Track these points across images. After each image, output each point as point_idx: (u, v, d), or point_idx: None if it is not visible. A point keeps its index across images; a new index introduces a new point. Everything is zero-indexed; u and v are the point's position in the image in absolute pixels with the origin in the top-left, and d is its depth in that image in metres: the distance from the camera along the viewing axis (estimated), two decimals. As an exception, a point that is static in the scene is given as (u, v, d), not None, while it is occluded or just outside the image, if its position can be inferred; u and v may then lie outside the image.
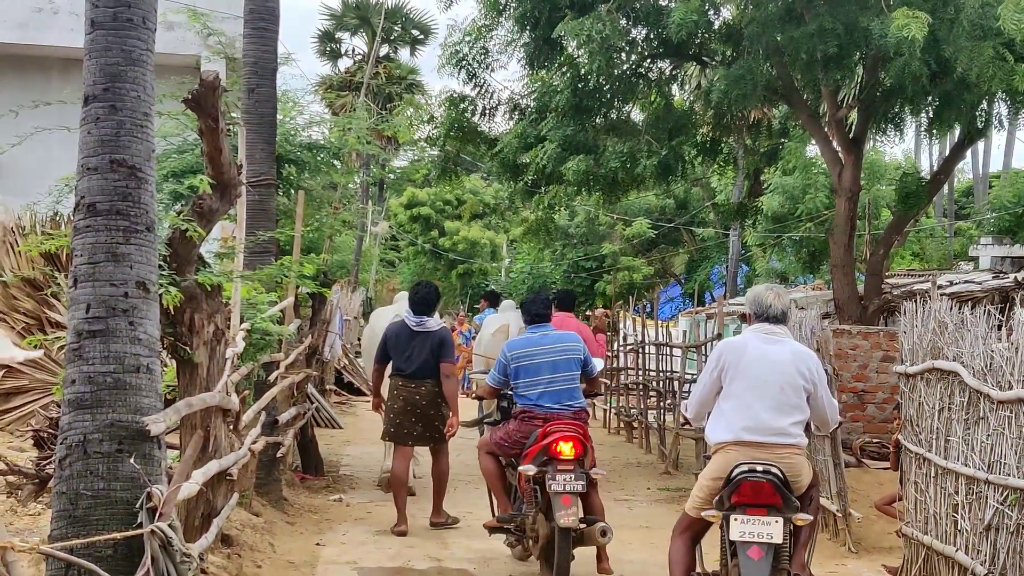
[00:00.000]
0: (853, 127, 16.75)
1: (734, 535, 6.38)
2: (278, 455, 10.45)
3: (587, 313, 33.57)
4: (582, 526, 7.97)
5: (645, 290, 35.51)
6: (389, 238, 47.35)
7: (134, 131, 5.24)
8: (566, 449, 7.99)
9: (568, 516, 7.79)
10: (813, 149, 25.78)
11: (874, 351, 13.81)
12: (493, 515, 9.01)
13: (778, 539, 6.37)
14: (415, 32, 40.49)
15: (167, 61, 13.57)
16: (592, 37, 14.55)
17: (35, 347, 7.69)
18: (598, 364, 8.99)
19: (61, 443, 5.06)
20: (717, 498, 6.53)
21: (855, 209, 16.52)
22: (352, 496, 11.77)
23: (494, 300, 16.98)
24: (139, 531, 4.68)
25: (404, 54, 41.34)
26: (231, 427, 7.16)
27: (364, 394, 23.36)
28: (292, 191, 12.45)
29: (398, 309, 12.39)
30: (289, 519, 10.00)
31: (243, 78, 10.70)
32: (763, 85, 15.05)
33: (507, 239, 49.77)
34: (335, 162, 13.36)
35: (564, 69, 16.93)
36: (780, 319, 6.91)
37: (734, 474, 6.44)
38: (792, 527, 6.49)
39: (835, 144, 16.45)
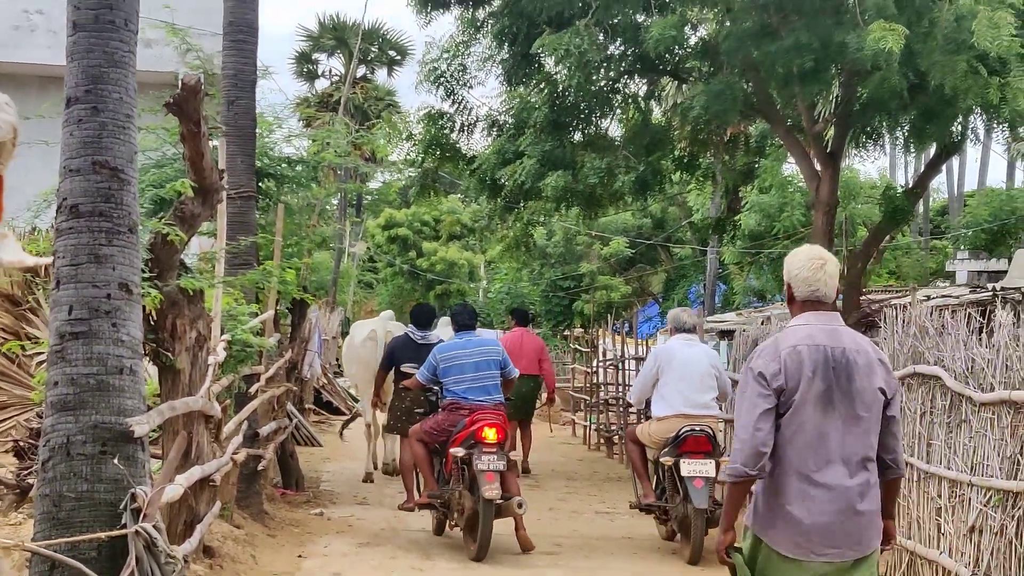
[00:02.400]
0: (830, 141, 16.84)
1: (684, 472, 9.54)
2: (259, 468, 10.39)
3: (566, 333, 33.64)
4: (501, 500, 9.33)
5: (623, 309, 35.58)
6: (367, 259, 47.29)
7: (116, 132, 5.23)
8: (490, 434, 9.47)
9: (491, 490, 9.22)
10: (789, 167, 25.99)
11: (854, 362, 13.84)
12: (413, 498, 10.44)
13: (712, 474, 9.53)
14: (392, 53, 40.62)
15: (145, 78, 13.48)
16: (570, 52, 14.59)
17: (14, 354, 7.67)
18: (515, 371, 10.46)
19: (44, 445, 5.03)
20: (666, 449, 9.73)
21: (833, 223, 16.60)
22: (333, 510, 11.71)
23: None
24: (123, 531, 4.64)
25: (381, 75, 41.48)
26: (213, 435, 7.12)
27: (343, 413, 23.27)
28: (271, 205, 12.43)
29: (378, 325, 14.78)
30: (270, 532, 9.94)
31: (222, 90, 10.69)
32: (741, 100, 15.12)
33: (485, 260, 49.79)
34: (313, 183, 13.34)
35: (542, 85, 16.99)
36: (692, 330, 10.55)
37: (681, 433, 9.69)
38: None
39: (812, 158, 16.53)
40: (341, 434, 18.27)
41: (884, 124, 16.65)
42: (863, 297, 18.37)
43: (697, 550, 9.43)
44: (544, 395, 16.49)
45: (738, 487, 4.81)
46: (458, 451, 9.53)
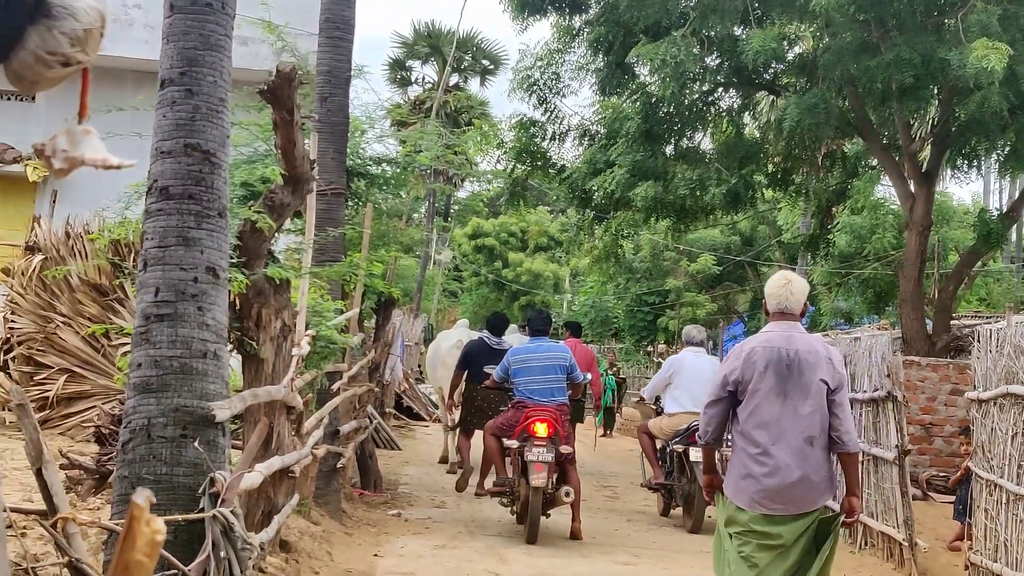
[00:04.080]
0: (926, 162, 16.49)
1: (693, 458, 11.29)
2: (338, 466, 10.37)
3: (649, 349, 33.37)
4: (551, 489, 10.37)
5: (708, 327, 35.17)
6: (452, 268, 47.42)
7: (209, 116, 5.19)
8: (540, 429, 10.42)
9: (538, 479, 10.16)
10: (882, 189, 25.55)
11: (943, 383, 13.51)
12: (484, 486, 11.47)
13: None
14: (486, 62, 40.70)
15: (240, 76, 13.58)
16: (667, 62, 14.47)
17: (99, 344, 7.72)
18: (580, 376, 11.51)
19: (125, 427, 5.00)
20: (677, 439, 11.86)
21: (926, 244, 16.25)
22: (410, 512, 11.66)
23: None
24: (201, 515, 4.59)
25: (474, 84, 41.57)
26: (295, 427, 7.08)
27: (423, 418, 23.31)
28: (361, 205, 12.43)
29: (459, 333, 16.21)
30: (347, 530, 9.91)
31: (317, 87, 10.71)
32: (836, 115, 14.87)
33: (570, 272, 49.64)
34: (403, 187, 13.33)
35: (636, 95, 16.86)
36: (700, 344, 12.84)
37: (691, 426, 11.29)
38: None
39: (907, 178, 16.20)
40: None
41: (982, 146, 16.25)
42: (953, 321, 17.94)
43: (699, 521, 11.62)
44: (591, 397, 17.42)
45: (704, 450, 6.57)
46: (512, 443, 10.60)
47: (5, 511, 3.86)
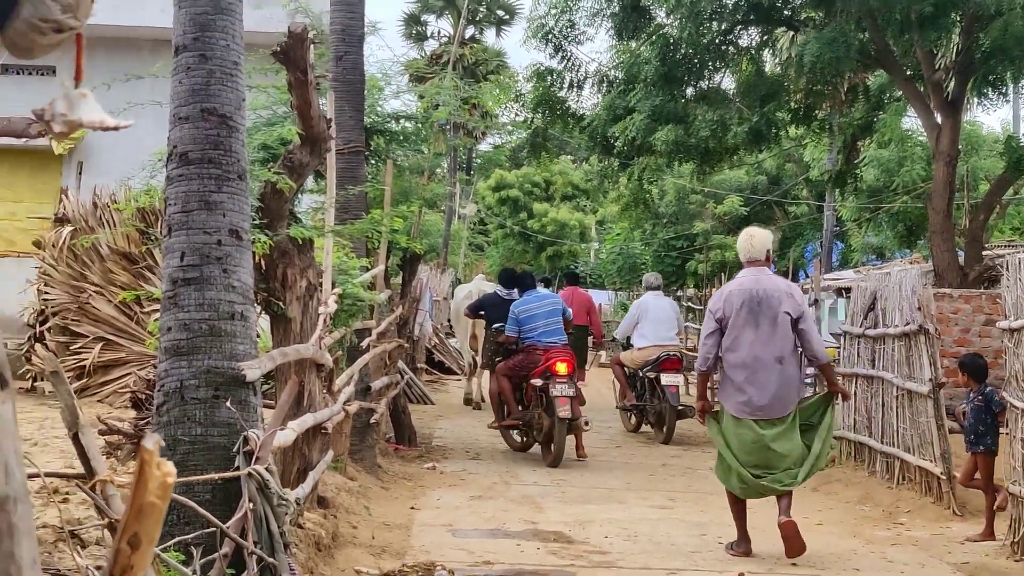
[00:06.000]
0: (951, 90, 16.31)
1: (664, 382, 13.99)
2: (372, 422, 10.47)
3: (678, 293, 33.31)
4: (571, 419, 11.81)
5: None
6: (478, 221, 47.40)
7: (224, 80, 5.22)
8: (562, 368, 11.94)
9: (564, 411, 11.68)
10: (908, 121, 25.31)
11: (976, 315, 13.45)
12: (499, 420, 12.96)
13: (680, 382, 14.70)
14: (500, 13, 40.50)
15: (256, 39, 13.55)
16: (682, 2, 14.38)
17: (132, 311, 7.81)
18: (569, 312, 13.20)
19: (158, 390, 5.08)
20: (648, 367, 14.35)
21: (954, 174, 16.09)
22: (445, 465, 11.78)
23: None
24: (236, 473, 4.66)
25: (490, 36, 41.39)
26: (325, 384, 7.15)
27: (455, 373, 23.42)
28: (381, 163, 12.45)
29: (471, 286, 18.63)
30: (383, 485, 10.02)
31: (331, 46, 10.70)
32: (856, 48, 14.72)
33: (596, 220, 49.50)
34: (424, 143, 13.34)
35: (653, 38, 16.74)
36: (658, 288, 15.42)
37: (661, 357, 14.30)
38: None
39: (932, 108, 16.04)
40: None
41: (1008, 71, 16.03)
42: (985, 252, 17.81)
43: (670, 434, 14.09)
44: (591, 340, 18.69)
45: (701, 376, 8.38)
46: (537, 381, 12.06)
47: (41, 477, 3.95)
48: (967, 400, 9.17)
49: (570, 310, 13.28)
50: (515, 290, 14.11)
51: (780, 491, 7.80)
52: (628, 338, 15.25)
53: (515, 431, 12.92)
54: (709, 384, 8.72)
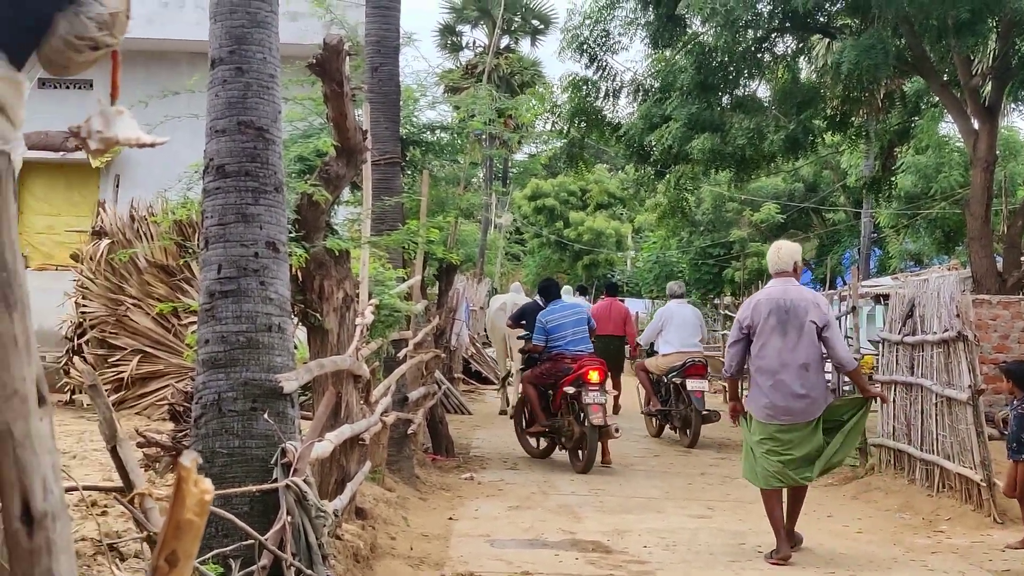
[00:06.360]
0: (987, 96, 16.17)
1: (689, 387, 14.29)
2: (409, 432, 10.47)
3: (715, 301, 33.15)
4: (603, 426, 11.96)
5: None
6: (514, 231, 47.39)
7: (260, 93, 5.23)
8: (594, 376, 12.07)
9: (597, 418, 11.81)
10: (946, 127, 25.10)
11: (1015, 321, 13.32)
12: (518, 427, 13.37)
13: (706, 388, 14.71)
14: (535, 22, 40.51)
15: (290, 52, 13.62)
16: (716, 11, 14.32)
17: (170, 324, 7.86)
18: (593, 322, 13.35)
19: (196, 403, 5.09)
20: (674, 373, 14.61)
21: (991, 180, 15.95)
22: (483, 475, 11.76)
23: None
24: (274, 485, 4.66)
25: (525, 46, 41.41)
26: (362, 396, 7.16)
27: (492, 382, 23.42)
28: (417, 174, 12.49)
29: (505, 297, 19.00)
30: (421, 495, 10.02)
31: (367, 57, 10.73)
32: (894, 55, 14.62)
33: (632, 228, 49.38)
34: (459, 154, 13.36)
35: (688, 47, 16.70)
36: (681, 296, 15.91)
37: (686, 362, 14.56)
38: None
39: (969, 114, 15.91)
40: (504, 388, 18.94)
41: (1045, 77, 15.89)
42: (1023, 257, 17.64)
43: (695, 438, 14.44)
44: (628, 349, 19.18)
45: (729, 381, 9.26)
46: (570, 389, 12.12)
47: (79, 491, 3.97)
48: (1010, 407, 9.07)
49: (592, 320, 13.47)
50: (563, 300, 14.20)
51: (799, 483, 8.24)
52: (652, 344, 15.65)
53: (532, 437, 13.19)
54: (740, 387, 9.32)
